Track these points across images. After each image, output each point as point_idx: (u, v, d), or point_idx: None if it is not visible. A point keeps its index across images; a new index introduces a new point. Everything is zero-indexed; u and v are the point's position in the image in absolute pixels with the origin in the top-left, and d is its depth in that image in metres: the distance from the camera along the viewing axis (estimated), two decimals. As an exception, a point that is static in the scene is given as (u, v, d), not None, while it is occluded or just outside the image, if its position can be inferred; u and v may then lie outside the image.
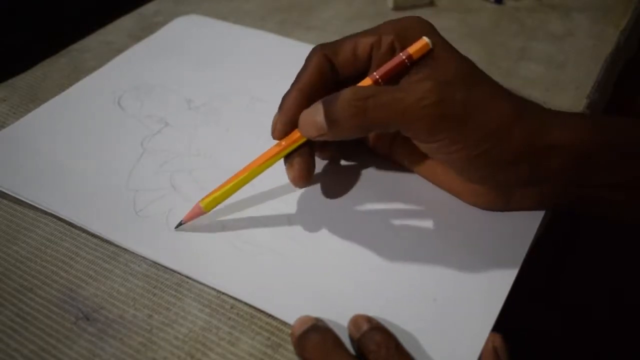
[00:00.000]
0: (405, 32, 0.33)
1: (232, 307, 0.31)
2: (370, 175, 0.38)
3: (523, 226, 0.34)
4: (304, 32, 0.53)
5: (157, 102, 0.44)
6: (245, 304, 0.31)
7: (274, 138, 0.34)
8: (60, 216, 0.35)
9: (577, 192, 0.32)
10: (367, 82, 0.33)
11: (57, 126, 0.42)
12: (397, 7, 0.56)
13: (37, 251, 0.34)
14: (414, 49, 0.32)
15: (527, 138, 0.30)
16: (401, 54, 0.32)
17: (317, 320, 0.29)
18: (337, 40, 0.35)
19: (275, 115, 0.34)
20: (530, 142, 0.30)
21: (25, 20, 0.57)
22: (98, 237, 0.34)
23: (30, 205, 0.36)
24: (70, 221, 0.35)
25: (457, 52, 0.33)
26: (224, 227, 0.35)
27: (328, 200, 0.36)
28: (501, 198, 0.34)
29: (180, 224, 0.34)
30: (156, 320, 0.30)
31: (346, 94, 0.30)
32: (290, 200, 0.36)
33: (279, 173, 0.35)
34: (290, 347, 0.29)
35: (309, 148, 0.34)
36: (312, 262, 0.33)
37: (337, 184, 0.37)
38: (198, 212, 0.34)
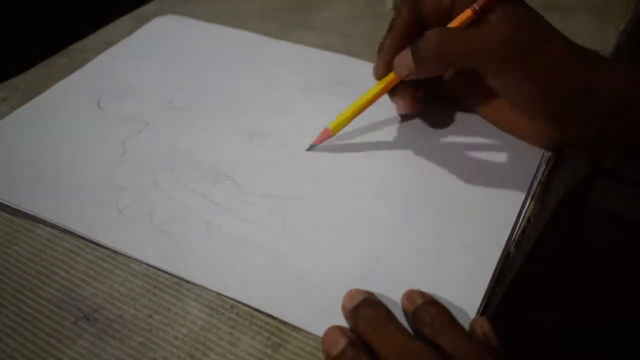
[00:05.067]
0: None
1: (232, 307, 0.31)
2: (365, 170, 0.38)
3: (505, 211, 0.35)
4: (304, 32, 0.53)
5: (137, 102, 0.45)
6: (245, 304, 0.31)
7: (376, 79, 0.39)
8: (43, 218, 0.35)
9: (625, 132, 0.35)
10: (467, 13, 0.36)
11: (37, 128, 0.42)
12: (396, 7, 0.56)
13: (37, 251, 0.34)
14: None
15: (583, 78, 0.34)
16: None
17: (368, 293, 0.30)
18: None
19: (376, 60, 0.39)
20: (586, 82, 0.34)
21: (25, 20, 0.57)
22: (98, 237, 0.35)
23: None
24: (53, 222, 0.35)
25: (525, 3, 0.36)
26: (208, 223, 0.35)
27: (312, 196, 0.36)
28: (560, 134, 0.37)
29: (311, 147, 0.39)
30: (156, 320, 0.30)
31: (429, 32, 0.35)
32: (273, 195, 0.37)
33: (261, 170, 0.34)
34: (290, 347, 0.29)
35: (408, 85, 0.39)
36: (300, 256, 0.33)
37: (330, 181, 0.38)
38: (327, 135, 0.39)
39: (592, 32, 0.53)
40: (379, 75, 0.39)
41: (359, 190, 0.37)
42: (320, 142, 0.39)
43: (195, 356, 0.29)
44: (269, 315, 0.30)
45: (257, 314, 0.30)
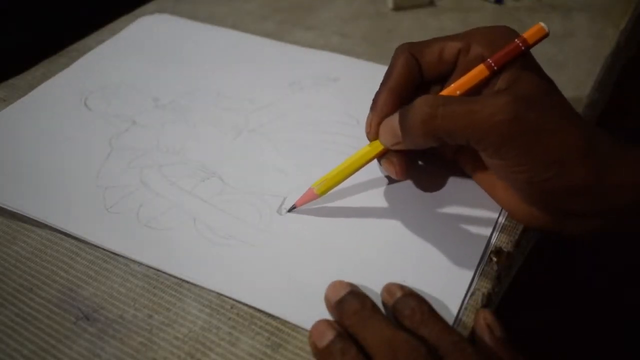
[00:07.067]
0: (495, 43, 0.32)
1: (232, 307, 0.31)
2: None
3: (481, 223, 0.35)
4: (304, 32, 0.53)
5: (123, 101, 0.45)
6: (245, 304, 0.31)
7: (370, 139, 0.34)
8: (31, 217, 0.35)
9: (634, 226, 0.31)
10: (480, 67, 0.32)
11: (24, 128, 0.42)
12: (397, 7, 0.56)
13: (37, 251, 0.34)
14: (529, 33, 0.31)
15: (593, 173, 0.29)
16: (516, 39, 0.31)
17: (353, 285, 0.30)
18: (424, 41, 0.35)
19: (369, 116, 0.34)
20: (595, 178, 0.29)
21: (25, 20, 0.57)
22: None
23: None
24: (41, 221, 0.35)
25: (541, 69, 0.32)
26: (195, 220, 0.35)
27: (299, 194, 0.36)
28: (556, 224, 0.32)
29: (293, 208, 0.35)
30: (156, 320, 0.30)
31: (419, 101, 0.30)
32: (258, 192, 0.37)
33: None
34: (290, 347, 0.29)
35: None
36: (284, 252, 0.33)
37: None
38: (312, 197, 0.34)
39: (592, 32, 0.53)
40: (371, 136, 0.34)
41: (345, 186, 0.37)
42: (303, 204, 0.35)
43: (195, 356, 0.29)
44: (269, 315, 0.30)
45: (257, 314, 0.30)
